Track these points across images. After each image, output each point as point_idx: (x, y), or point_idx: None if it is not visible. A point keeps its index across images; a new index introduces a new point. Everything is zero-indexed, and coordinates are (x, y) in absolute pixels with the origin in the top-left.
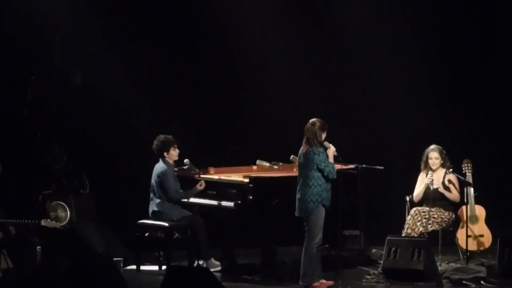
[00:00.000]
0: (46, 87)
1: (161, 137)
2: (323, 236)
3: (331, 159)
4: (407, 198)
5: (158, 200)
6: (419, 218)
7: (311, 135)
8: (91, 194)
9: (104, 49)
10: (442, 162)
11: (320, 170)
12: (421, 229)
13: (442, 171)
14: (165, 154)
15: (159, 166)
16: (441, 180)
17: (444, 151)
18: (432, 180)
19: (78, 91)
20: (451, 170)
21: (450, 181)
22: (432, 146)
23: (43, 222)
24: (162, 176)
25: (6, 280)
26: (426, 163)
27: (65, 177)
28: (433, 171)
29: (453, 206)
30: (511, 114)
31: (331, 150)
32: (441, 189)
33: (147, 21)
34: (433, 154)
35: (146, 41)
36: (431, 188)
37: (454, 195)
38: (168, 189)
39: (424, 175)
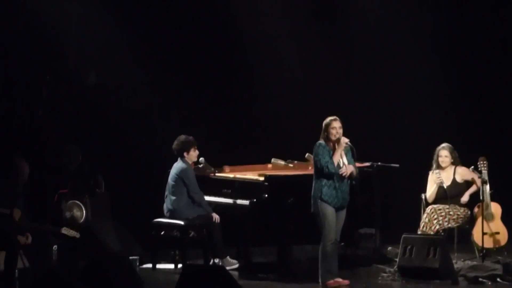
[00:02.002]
0: (61, 87)
1: (182, 137)
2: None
3: (336, 154)
4: (423, 196)
5: (173, 198)
6: (435, 216)
7: (321, 132)
8: (107, 193)
9: (119, 48)
10: (452, 160)
11: (315, 165)
12: (437, 227)
13: (451, 169)
14: (185, 154)
15: (179, 166)
16: (451, 178)
17: (455, 150)
18: (441, 180)
19: (93, 91)
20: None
21: (460, 175)
22: (443, 145)
23: (63, 231)
24: (183, 174)
25: (22, 280)
26: (437, 161)
27: (81, 177)
28: (442, 169)
29: (469, 203)
30: None
31: (341, 143)
32: (465, 198)
33: (161, 20)
34: (443, 152)
35: (161, 40)
36: (444, 187)
37: (474, 186)
38: (191, 187)
39: (434, 175)
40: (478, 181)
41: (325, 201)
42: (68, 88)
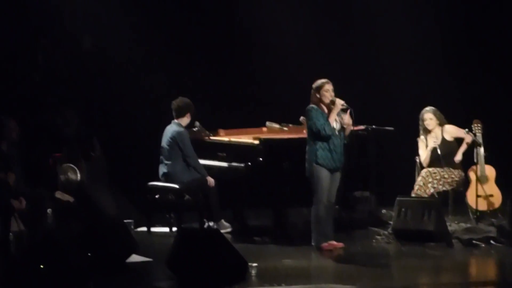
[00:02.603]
0: (56, 51)
1: (181, 99)
2: (334, 198)
3: (332, 116)
4: (417, 159)
5: (169, 162)
6: (430, 180)
7: (310, 96)
8: (102, 157)
9: (113, 12)
10: (438, 121)
11: (310, 128)
12: (432, 190)
13: (439, 130)
14: (185, 116)
15: (174, 129)
16: (440, 138)
17: (439, 111)
18: (437, 143)
19: (88, 55)
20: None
21: (448, 133)
22: (426, 108)
23: (57, 195)
24: (179, 138)
25: (18, 243)
26: (423, 126)
27: (76, 141)
28: (429, 132)
29: (461, 164)
30: None
31: (336, 105)
32: (458, 157)
33: None
34: (428, 115)
35: (156, 3)
36: (438, 151)
37: (460, 135)
38: (187, 151)
39: (424, 138)
40: (467, 137)
41: (320, 164)
42: (63, 52)
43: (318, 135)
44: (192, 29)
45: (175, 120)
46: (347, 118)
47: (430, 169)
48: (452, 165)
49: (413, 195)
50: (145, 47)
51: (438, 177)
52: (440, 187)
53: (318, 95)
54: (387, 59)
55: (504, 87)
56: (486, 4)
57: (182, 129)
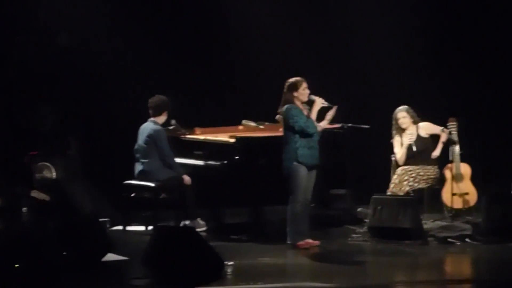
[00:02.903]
0: (32, 47)
1: (159, 97)
2: (310, 195)
3: (313, 113)
4: (393, 158)
5: (145, 160)
6: (406, 178)
7: (284, 95)
8: (78, 155)
9: (90, 8)
10: (412, 120)
11: (292, 127)
12: (407, 188)
13: (414, 128)
14: (162, 114)
15: (149, 127)
16: (415, 134)
17: (412, 109)
18: (412, 139)
19: (65, 51)
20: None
21: (423, 129)
22: (399, 108)
23: (33, 193)
24: (155, 136)
25: None
26: (397, 126)
27: (52, 138)
28: (404, 130)
29: (437, 161)
30: (497, 72)
31: (317, 103)
32: (436, 152)
33: None
34: (401, 114)
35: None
36: (414, 149)
37: (436, 132)
38: (163, 149)
39: (399, 137)
40: (443, 135)
41: (301, 162)
42: (39, 48)
43: (301, 133)
44: (168, 25)
45: (152, 118)
46: (330, 115)
47: (406, 167)
48: (428, 161)
49: (388, 193)
50: (122, 44)
51: (413, 175)
52: (416, 184)
53: (295, 94)
54: (362, 56)
55: (479, 85)
56: (463, 2)
57: (159, 127)
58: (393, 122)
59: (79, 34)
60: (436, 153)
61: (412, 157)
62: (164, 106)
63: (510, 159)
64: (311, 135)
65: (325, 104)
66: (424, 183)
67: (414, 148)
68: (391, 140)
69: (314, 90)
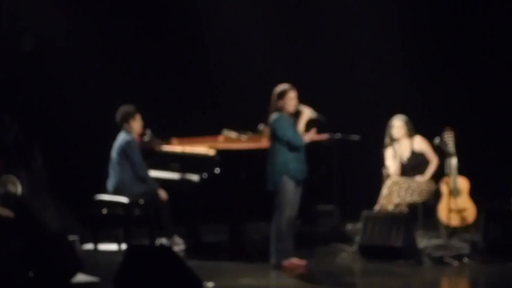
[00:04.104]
0: None
1: (122, 107)
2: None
3: (301, 124)
4: (384, 171)
5: (117, 173)
6: (396, 188)
7: (271, 103)
8: (44, 168)
9: (56, 12)
10: (408, 132)
11: (279, 138)
12: (397, 199)
13: (408, 141)
14: (125, 126)
15: (122, 138)
16: (409, 149)
17: (410, 121)
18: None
19: (30, 57)
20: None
21: (418, 143)
22: (398, 115)
23: None
24: (126, 147)
25: None
26: (390, 134)
27: (16, 149)
28: (396, 140)
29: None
30: (494, 82)
31: (305, 113)
32: (427, 175)
33: None
34: (397, 122)
35: (103, 3)
36: (403, 161)
37: (432, 162)
38: (134, 161)
39: (392, 149)
40: (435, 160)
41: (291, 176)
42: (2, 53)
43: (290, 146)
44: (143, 31)
45: (124, 128)
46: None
47: (397, 178)
48: (421, 174)
49: (377, 207)
50: (92, 50)
51: (404, 186)
52: (408, 196)
53: (282, 102)
54: (352, 65)
55: (476, 95)
56: (455, 9)
57: (129, 138)
58: (387, 130)
59: (46, 39)
60: (427, 176)
61: (406, 170)
62: (124, 116)
63: (511, 173)
64: (298, 149)
65: (314, 115)
66: (418, 196)
67: (404, 159)
68: (383, 150)
69: (300, 99)
